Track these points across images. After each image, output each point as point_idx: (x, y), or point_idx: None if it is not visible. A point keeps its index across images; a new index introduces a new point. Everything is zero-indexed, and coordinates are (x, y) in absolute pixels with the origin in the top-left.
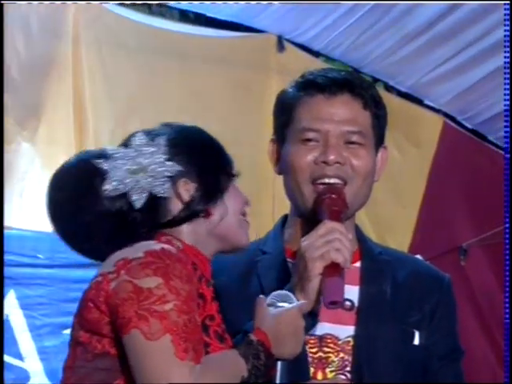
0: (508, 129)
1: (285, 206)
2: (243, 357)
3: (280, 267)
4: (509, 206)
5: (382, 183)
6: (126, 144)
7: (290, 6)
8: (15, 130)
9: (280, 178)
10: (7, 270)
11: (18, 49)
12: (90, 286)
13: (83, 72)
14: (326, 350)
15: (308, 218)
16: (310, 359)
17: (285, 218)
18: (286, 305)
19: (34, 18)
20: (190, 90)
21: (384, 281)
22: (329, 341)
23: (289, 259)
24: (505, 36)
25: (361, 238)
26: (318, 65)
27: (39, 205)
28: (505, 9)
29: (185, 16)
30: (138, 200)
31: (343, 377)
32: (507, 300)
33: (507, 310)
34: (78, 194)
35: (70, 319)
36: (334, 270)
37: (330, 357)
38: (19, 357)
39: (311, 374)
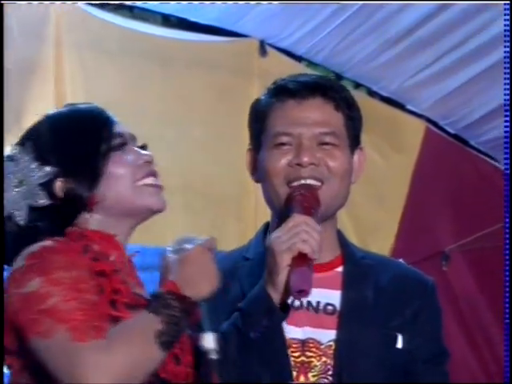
0: (508, 133)
1: (267, 212)
2: (152, 312)
3: (262, 273)
4: (509, 206)
5: (364, 188)
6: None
7: (273, 11)
8: None
9: None
10: None
11: None
12: None
13: (65, 76)
14: (309, 354)
15: (284, 220)
16: (292, 363)
17: (267, 225)
18: (189, 246)
19: (15, 22)
20: (173, 94)
21: (366, 285)
22: (311, 345)
23: None
24: (505, 36)
25: (343, 242)
26: (300, 69)
27: None
28: (505, 9)
29: (167, 20)
30: (20, 217)
31: (326, 381)
32: (507, 300)
33: (507, 310)
34: None
35: None
36: (301, 260)
37: (312, 361)
38: None
39: (294, 379)
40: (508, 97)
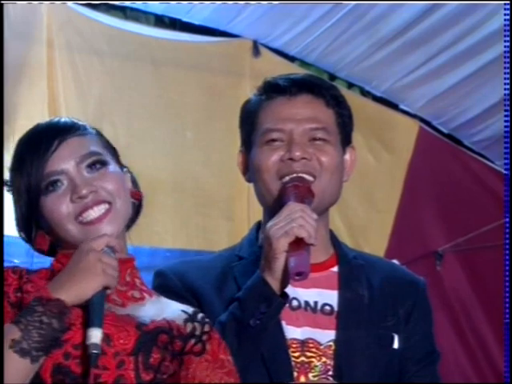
0: (508, 133)
1: (260, 212)
2: (14, 322)
3: (256, 272)
4: (509, 207)
5: (357, 188)
6: None
7: (266, 11)
8: None
9: None
10: None
11: None
12: None
13: (57, 76)
14: (309, 354)
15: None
16: (292, 364)
17: (259, 224)
18: None
19: (6, 22)
20: (165, 94)
21: (361, 285)
22: (311, 345)
23: None
24: (504, 36)
25: (335, 242)
26: (293, 69)
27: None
28: (505, 9)
29: (160, 21)
30: None
31: (326, 381)
32: (507, 300)
33: (507, 311)
34: None
35: None
36: (298, 245)
37: (312, 361)
38: None
39: (294, 379)
40: (508, 97)
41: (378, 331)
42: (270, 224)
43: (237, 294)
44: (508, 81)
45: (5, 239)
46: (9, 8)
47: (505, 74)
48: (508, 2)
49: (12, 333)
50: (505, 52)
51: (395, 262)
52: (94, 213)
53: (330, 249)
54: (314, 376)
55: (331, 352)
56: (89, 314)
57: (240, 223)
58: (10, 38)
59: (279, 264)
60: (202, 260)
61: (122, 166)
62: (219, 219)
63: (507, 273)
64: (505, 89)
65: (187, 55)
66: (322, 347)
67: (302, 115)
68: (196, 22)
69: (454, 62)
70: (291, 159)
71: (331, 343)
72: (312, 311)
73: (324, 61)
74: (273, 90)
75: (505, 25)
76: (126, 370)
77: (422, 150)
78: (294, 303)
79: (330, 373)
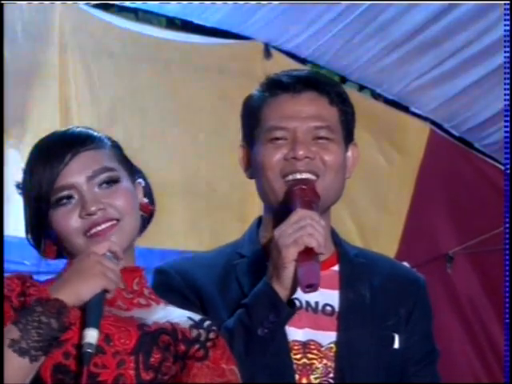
0: (508, 133)
1: None
2: (13, 323)
3: (260, 272)
4: (509, 207)
5: (368, 190)
6: None
7: (278, 13)
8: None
9: None
10: None
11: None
12: None
13: (69, 79)
14: (310, 356)
15: (281, 215)
16: (294, 366)
17: (260, 220)
18: None
19: (19, 25)
20: (176, 97)
21: (362, 285)
22: (312, 347)
23: (268, 263)
24: (505, 36)
25: (336, 240)
26: None
27: None
28: (505, 9)
29: (172, 23)
30: None
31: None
32: (507, 300)
33: (507, 311)
34: None
35: None
36: (308, 254)
37: (314, 363)
38: None
39: (296, 381)
40: (508, 97)
41: (378, 332)
42: (278, 231)
43: (244, 300)
44: (508, 86)
45: (16, 241)
46: (23, 10)
47: (505, 74)
48: (508, 2)
49: (11, 332)
50: (505, 52)
51: (405, 263)
52: (101, 228)
53: (332, 247)
54: (316, 378)
55: (332, 354)
56: (86, 315)
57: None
58: (23, 40)
59: (288, 273)
60: (204, 257)
61: (135, 174)
62: (231, 221)
63: (507, 273)
64: (505, 94)
65: (199, 57)
66: (323, 349)
67: (306, 113)
68: (208, 25)
69: (466, 64)
70: (295, 158)
71: (332, 345)
72: (313, 311)
73: (335, 63)
74: (277, 86)
75: (505, 25)
76: (125, 370)
77: (433, 152)
78: (296, 303)
79: (331, 375)
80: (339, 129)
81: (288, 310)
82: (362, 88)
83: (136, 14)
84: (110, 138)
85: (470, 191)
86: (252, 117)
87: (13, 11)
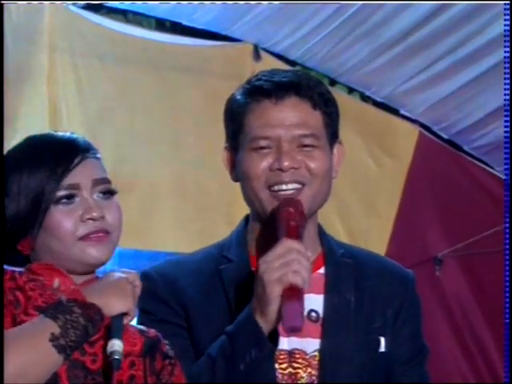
0: (508, 133)
1: None
2: (49, 317)
3: (246, 279)
4: (509, 207)
5: (357, 193)
6: None
7: (267, 15)
8: None
9: None
10: None
11: None
12: None
13: (58, 80)
14: (295, 365)
15: (267, 223)
16: (279, 375)
17: (246, 221)
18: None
19: (9, 26)
20: (166, 98)
21: (348, 288)
22: (297, 356)
23: (254, 269)
24: (505, 36)
25: (323, 238)
26: None
27: None
28: (505, 9)
29: (161, 25)
30: None
31: None
32: (507, 300)
33: (507, 310)
34: None
35: None
36: (292, 292)
37: (299, 372)
38: None
39: None
40: (508, 98)
41: (364, 336)
42: (263, 264)
43: (228, 328)
44: (508, 86)
45: None
46: (11, 12)
47: (505, 74)
48: (508, 2)
49: (50, 326)
50: (505, 52)
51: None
52: (96, 236)
53: (318, 247)
54: None
55: (316, 362)
56: (112, 326)
57: None
58: (12, 42)
59: (273, 309)
60: (190, 261)
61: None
62: (220, 223)
63: (507, 273)
64: (505, 94)
65: (188, 59)
66: (307, 357)
67: (289, 121)
68: (198, 26)
69: (455, 67)
70: (280, 169)
71: (316, 353)
72: None
73: (325, 66)
74: (258, 92)
75: (505, 25)
76: (136, 371)
77: (422, 155)
78: (279, 338)
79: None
80: (324, 133)
81: (270, 345)
82: (351, 91)
83: (125, 16)
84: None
85: (459, 194)
86: (235, 122)
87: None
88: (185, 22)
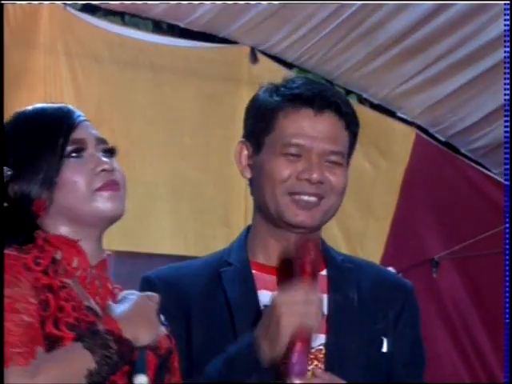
0: (508, 134)
1: None
2: (88, 349)
3: (246, 281)
4: (509, 207)
5: (353, 195)
6: None
7: (264, 17)
8: None
9: None
10: None
11: None
12: None
13: (55, 82)
14: None
15: (278, 224)
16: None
17: (249, 229)
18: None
19: (7, 29)
20: (162, 100)
21: (350, 288)
22: None
23: (254, 271)
24: (505, 36)
25: (324, 246)
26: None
27: None
28: (505, 9)
29: (158, 27)
30: None
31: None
32: (507, 300)
33: (507, 310)
34: None
35: None
36: (302, 340)
37: None
38: None
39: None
40: (508, 103)
41: (367, 335)
42: (282, 304)
43: (230, 349)
44: (508, 86)
45: None
46: (9, 14)
47: (505, 74)
48: (508, 2)
49: (88, 362)
50: (505, 52)
51: (391, 269)
52: (110, 185)
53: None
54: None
55: (322, 355)
56: (137, 360)
57: (237, 229)
58: (10, 44)
59: (282, 348)
60: (192, 266)
61: None
62: (216, 225)
63: (507, 273)
64: (505, 94)
65: (185, 61)
66: (313, 350)
67: (324, 135)
68: (195, 28)
69: (452, 69)
70: (308, 180)
71: (321, 347)
72: None
73: (321, 68)
74: (298, 99)
75: (505, 24)
76: None
77: (418, 157)
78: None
79: None
80: (347, 152)
81: (270, 373)
82: (348, 93)
83: (123, 18)
84: None
85: (455, 196)
86: (264, 121)
87: None
88: (182, 24)
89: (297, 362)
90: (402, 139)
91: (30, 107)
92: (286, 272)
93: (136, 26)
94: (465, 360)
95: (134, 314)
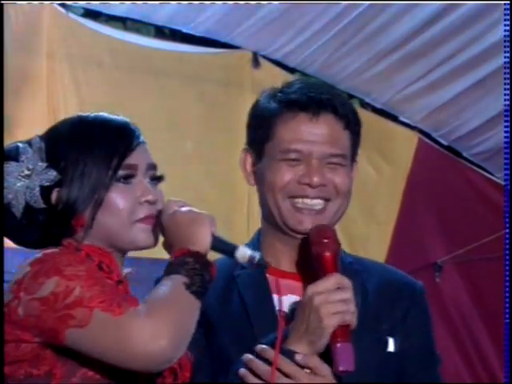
0: (508, 137)
1: (259, 223)
2: (172, 273)
3: (260, 284)
4: (509, 210)
5: (356, 200)
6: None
7: (266, 23)
8: None
9: (254, 195)
10: None
11: None
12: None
13: (57, 88)
14: None
15: (284, 231)
16: None
17: (259, 233)
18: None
19: (8, 34)
20: (165, 105)
21: (357, 291)
22: None
23: (268, 275)
24: (504, 36)
25: None
26: None
27: None
28: (505, 9)
29: (160, 32)
30: (16, 210)
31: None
32: (507, 300)
33: (507, 310)
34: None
35: None
36: (345, 332)
37: None
38: None
39: None
40: (508, 104)
41: (373, 335)
42: (316, 294)
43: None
44: (508, 91)
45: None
46: (10, 19)
47: (505, 84)
48: (508, 2)
49: (179, 279)
50: (505, 52)
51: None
52: (149, 219)
53: None
54: None
55: None
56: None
57: (239, 234)
58: (11, 50)
59: (324, 342)
60: None
61: None
62: (219, 230)
63: (507, 273)
64: (505, 99)
65: (188, 66)
66: None
67: (323, 138)
68: (197, 34)
69: (454, 74)
70: (308, 184)
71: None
72: None
73: (324, 72)
74: (294, 105)
75: (505, 25)
76: (183, 373)
77: (421, 161)
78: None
79: None
80: (349, 154)
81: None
82: (350, 97)
83: (124, 23)
84: None
85: (458, 200)
86: (264, 129)
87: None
88: (184, 30)
89: (341, 357)
90: (405, 143)
91: (94, 115)
92: (302, 276)
93: (138, 31)
94: (467, 363)
95: (178, 224)
